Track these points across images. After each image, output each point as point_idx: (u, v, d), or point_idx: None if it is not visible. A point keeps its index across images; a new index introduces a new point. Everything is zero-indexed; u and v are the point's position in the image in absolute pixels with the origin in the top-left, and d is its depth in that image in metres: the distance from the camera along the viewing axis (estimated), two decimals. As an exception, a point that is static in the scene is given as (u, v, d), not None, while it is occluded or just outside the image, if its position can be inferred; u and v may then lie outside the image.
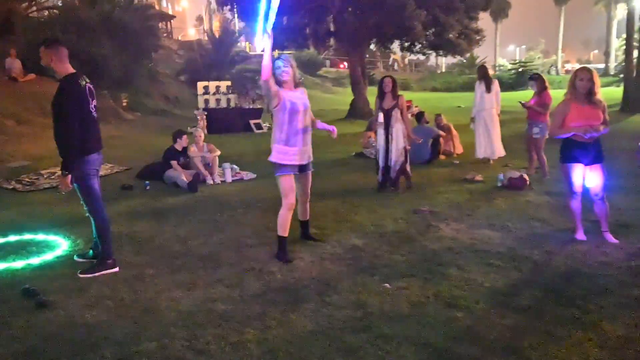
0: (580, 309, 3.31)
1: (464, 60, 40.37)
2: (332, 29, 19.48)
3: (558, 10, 53.47)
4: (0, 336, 3.15)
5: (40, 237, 5.14)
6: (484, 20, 22.28)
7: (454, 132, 10.02)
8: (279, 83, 4.21)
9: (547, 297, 3.51)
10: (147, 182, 7.58)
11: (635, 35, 21.86)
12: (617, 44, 44.08)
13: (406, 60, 55.33)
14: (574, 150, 4.48)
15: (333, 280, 3.88)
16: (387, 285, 3.76)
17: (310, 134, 4.41)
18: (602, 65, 45.62)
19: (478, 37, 19.74)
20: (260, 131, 15.22)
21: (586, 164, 4.49)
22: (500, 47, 59.20)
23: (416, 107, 13.31)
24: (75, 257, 4.49)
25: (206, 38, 28.37)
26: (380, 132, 6.83)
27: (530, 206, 5.95)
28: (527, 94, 9.66)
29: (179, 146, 7.83)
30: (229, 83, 16.88)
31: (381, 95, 6.76)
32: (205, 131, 13.37)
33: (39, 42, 4.02)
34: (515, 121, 11.96)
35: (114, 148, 10.02)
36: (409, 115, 7.43)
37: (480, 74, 8.71)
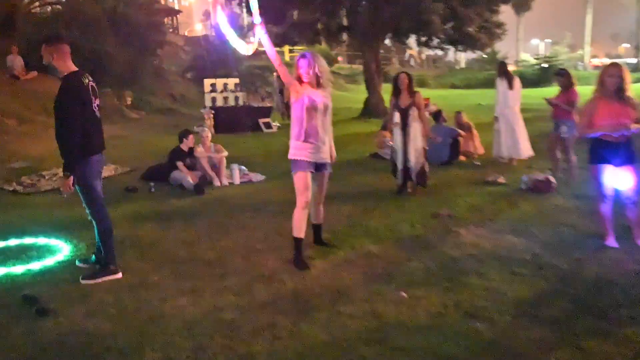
0: (612, 321, 3.21)
1: (485, 56, 38.39)
2: (345, 23, 19.23)
3: (585, 1, 51.33)
4: (-3, 345, 3.11)
5: (41, 241, 5.08)
6: (505, 13, 21.89)
7: (475, 131, 9.73)
8: (300, 79, 4.21)
9: (575, 308, 3.40)
10: (152, 184, 7.50)
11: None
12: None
13: (423, 56, 54.54)
14: (602, 150, 4.39)
15: (346, 289, 3.80)
16: (403, 294, 3.66)
17: (331, 135, 4.37)
18: (633, 60, 44.57)
19: (499, 31, 19.11)
20: (269, 130, 15.00)
21: (617, 165, 4.38)
22: (523, 42, 57.70)
23: (434, 105, 13.10)
24: (77, 263, 4.44)
25: (213, 33, 28.14)
26: (397, 132, 6.63)
27: (556, 210, 5.77)
28: (551, 91, 9.43)
29: (185, 146, 7.74)
30: (237, 80, 16.57)
31: (396, 93, 6.57)
32: (213, 131, 13.20)
33: (41, 39, 3.97)
34: (538, 119, 11.75)
35: (118, 148, 10.00)
36: (426, 114, 7.23)
37: (500, 71, 8.59)
